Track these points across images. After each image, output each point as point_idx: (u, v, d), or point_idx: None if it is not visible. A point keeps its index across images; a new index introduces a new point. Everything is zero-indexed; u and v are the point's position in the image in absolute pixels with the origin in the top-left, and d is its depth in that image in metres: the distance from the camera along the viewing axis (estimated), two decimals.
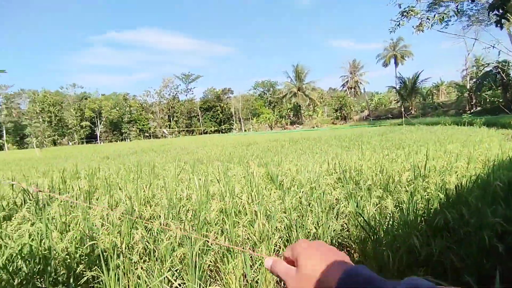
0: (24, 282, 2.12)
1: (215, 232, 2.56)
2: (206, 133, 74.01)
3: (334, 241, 2.76)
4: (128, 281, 2.34)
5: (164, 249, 2.41)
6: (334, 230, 2.77)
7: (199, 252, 2.39)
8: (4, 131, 67.04)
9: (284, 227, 2.75)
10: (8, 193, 3.90)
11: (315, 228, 2.69)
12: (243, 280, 2.38)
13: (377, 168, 4.22)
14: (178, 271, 2.43)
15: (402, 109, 41.81)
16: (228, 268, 2.29)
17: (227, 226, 2.51)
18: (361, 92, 71.35)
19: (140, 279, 2.25)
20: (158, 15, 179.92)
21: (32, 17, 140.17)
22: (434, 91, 58.27)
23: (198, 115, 78.88)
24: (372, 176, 3.85)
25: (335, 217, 2.90)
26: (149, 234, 2.63)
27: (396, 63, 57.10)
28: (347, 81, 73.20)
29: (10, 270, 2.11)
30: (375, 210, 2.91)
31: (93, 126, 75.01)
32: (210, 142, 23.28)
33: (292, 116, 71.28)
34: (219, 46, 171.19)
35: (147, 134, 75.78)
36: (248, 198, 3.05)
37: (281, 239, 2.74)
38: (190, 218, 2.82)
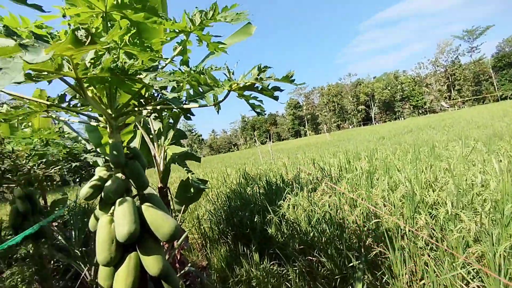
0: (328, 241, 2.70)
1: None
2: (504, 98, 55.43)
3: None
4: (415, 265, 2.30)
5: (455, 241, 2.12)
6: None
7: (505, 254, 1.87)
8: (306, 121, 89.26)
9: None
10: (313, 170, 5.12)
11: None
12: None
13: None
14: (475, 270, 2.06)
15: None
16: None
17: None
18: None
19: (428, 267, 2.14)
20: None
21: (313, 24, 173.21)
22: None
23: (491, 77, 60.63)
24: None
25: None
26: (434, 221, 2.42)
27: None
28: None
29: (319, 230, 2.78)
30: None
31: (367, 109, 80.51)
32: None
33: None
34: None
35: (422, 110, 69.47)
36: None
37: None
38: (489, 210, 2.26)
